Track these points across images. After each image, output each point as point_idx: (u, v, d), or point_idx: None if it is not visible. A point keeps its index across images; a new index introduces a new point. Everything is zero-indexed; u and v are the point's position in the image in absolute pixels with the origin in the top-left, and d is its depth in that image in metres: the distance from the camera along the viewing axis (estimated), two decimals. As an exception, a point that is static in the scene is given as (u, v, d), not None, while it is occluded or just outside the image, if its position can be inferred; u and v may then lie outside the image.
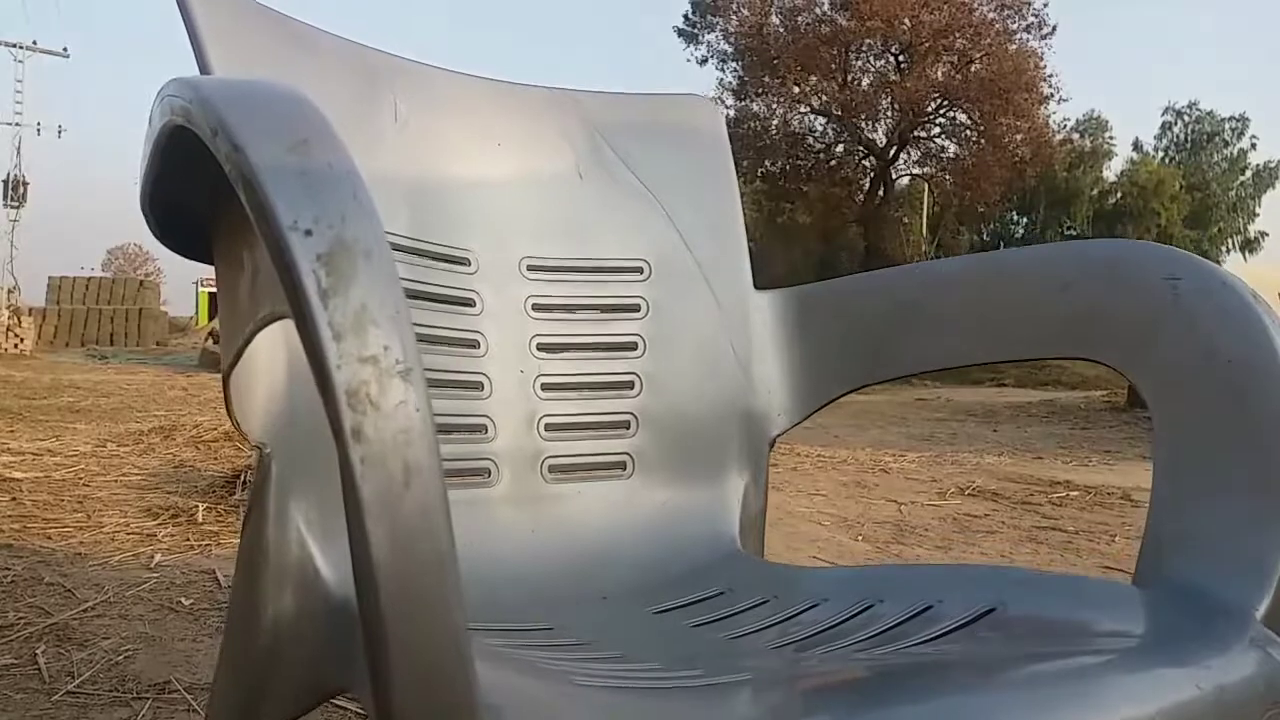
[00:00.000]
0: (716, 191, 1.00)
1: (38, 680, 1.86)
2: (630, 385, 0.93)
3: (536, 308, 0.91)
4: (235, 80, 0.38)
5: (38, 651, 1.99)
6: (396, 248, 0.82)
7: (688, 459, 0.93)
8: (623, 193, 0.95)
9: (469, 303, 0.87)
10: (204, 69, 0.73)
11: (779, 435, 0.93)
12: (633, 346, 0.94)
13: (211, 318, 39.88)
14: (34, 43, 25.24)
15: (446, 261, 0.85)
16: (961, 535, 3.45)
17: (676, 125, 1.01)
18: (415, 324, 0.84)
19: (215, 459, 4.77)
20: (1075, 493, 4.48)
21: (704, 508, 0.90)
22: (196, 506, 3.45)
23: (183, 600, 2.39)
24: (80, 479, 4.17)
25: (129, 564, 2.78)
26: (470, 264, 0.87)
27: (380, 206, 0.82)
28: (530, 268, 0.91)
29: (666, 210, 0.96)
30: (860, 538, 3.38)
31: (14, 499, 3.66)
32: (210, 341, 21.19)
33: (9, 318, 22.57)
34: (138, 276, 44.14)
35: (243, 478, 3.71)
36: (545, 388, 0.90)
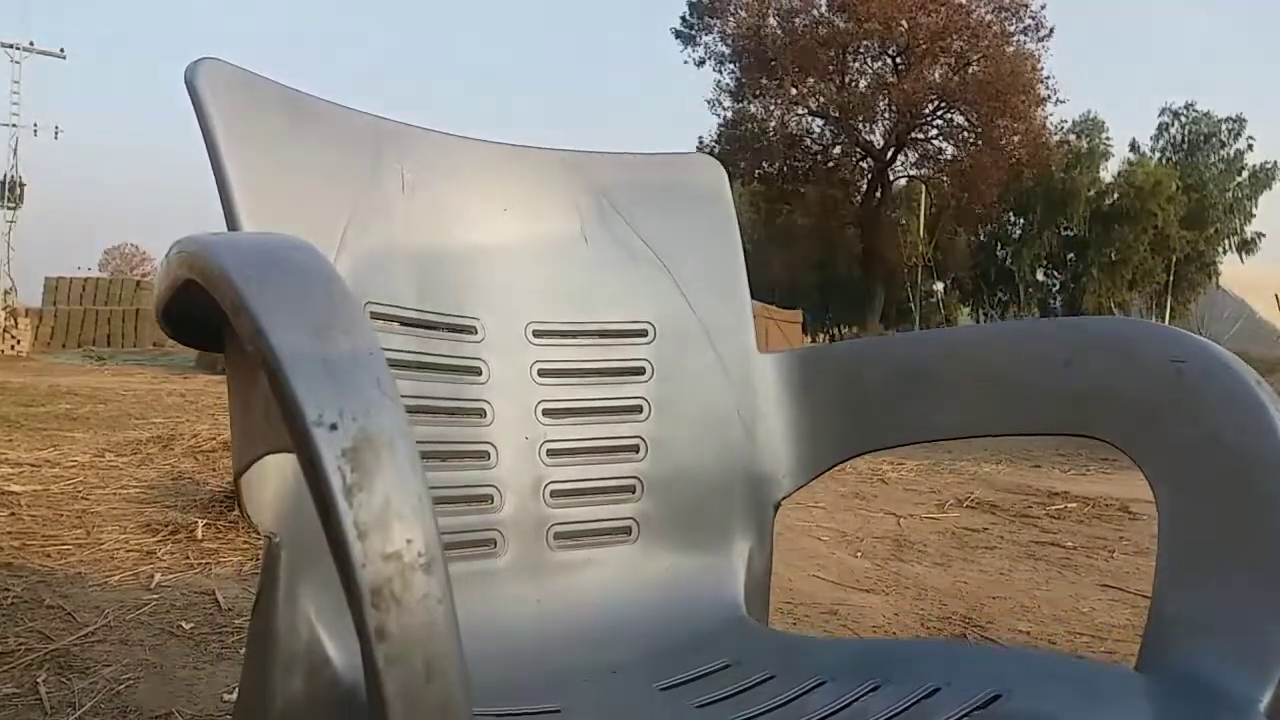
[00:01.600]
0: (719, 252, 1.00)
1: (39, 711, 1.86)
2: (635, 449, 0.93)
3: (542, 373, 0.91)
4: (252, 246, 0.38)
5: (39, 680, 1.99)
6: (405, 321, 0.82)
7: (692, 523, 0.93)
8: (627, 255, 0.96)
9: (476, 371, 0.87)
10: (211, 145, 0.73)
11: (784, 498, 0.93)
12: (638, 410, 0.94)
13: (208, 318, 39.83)
14: (31, 43, 25.19)
15: (454, 331, 0.86)
16: (960, 551, 3.46)
17: (680, 185, 1.01)
18: (424, 396, 0.85)
19: (214, 470, 4.77)
20: (1073, 504, 4.49)
21: (708, 573, 0.90)
22: (196, 523, 3.45)
23: (183, 624, 2.39)
24: (79, 492, 4.17)
25: (128, 584, 2.78)
26: (477, 332, 0.88)
27: (389, 279, 0.83)
28: (536, 333, 0.91)
29: (670, 272, 0.96)
30: (860, 554, 3.38)
31: (13, 514, 3.66)
32: None
33: (5, 319, 22.55)
34: (134, 277, 44.07)
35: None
36: (551, 453, 0.90)
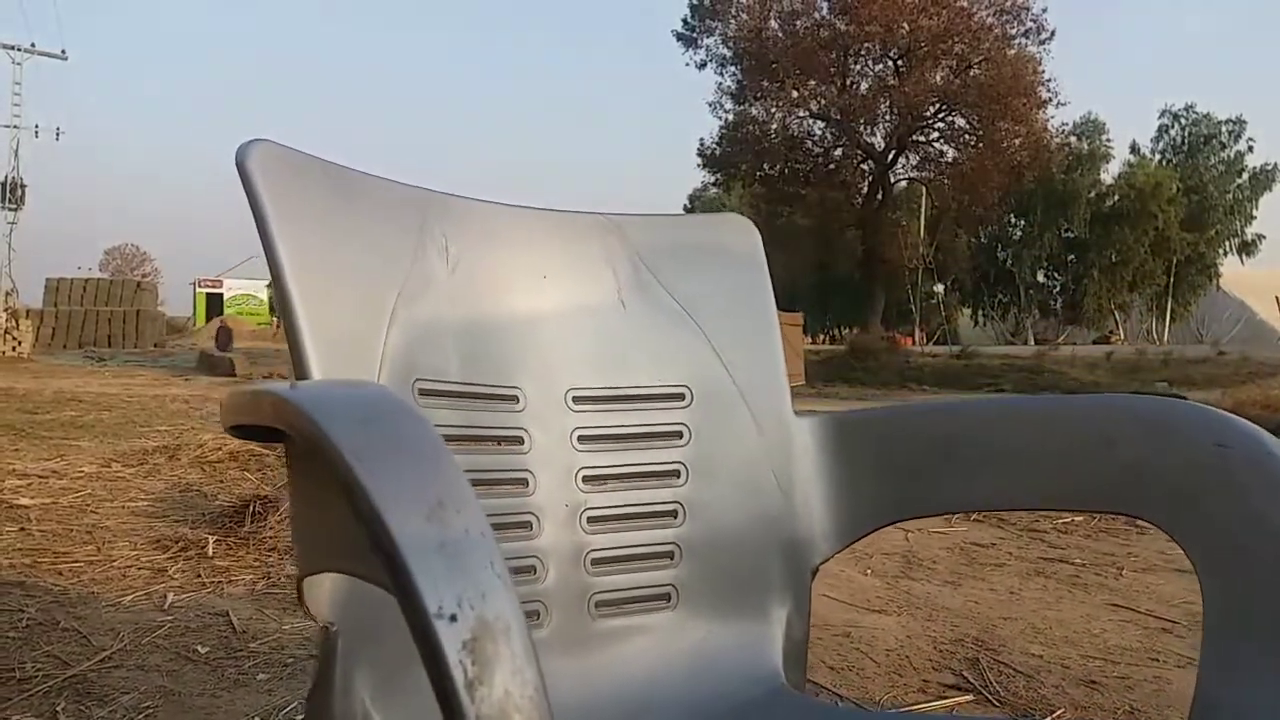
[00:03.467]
0: (754, 313, 1.00)
1: (60, 742, 1.87)
2: (674, 514, 0.94)
3: (582, 439, 0.92)
4: (357, 411, 0.39)
5: (58, 708, 2.00)
6: (450, 394, 0.83)
7: (730, 589, 0.93)
8: (663, 318, 0.96)
9: (519, 440, 0.88)
10: (262, 225, 0.74)
11: (821, 563, 0.94)
12: (676, 474, 0.95)
13: (208, 319, 39.81)
14: (32, 45, 25.19)
15: (497, 400, 0.87)
16: (970, 568, 3.46)
17: (714, 246, 1.01)
18: (471, 470, 0.85)
19: (221, 482, 4.78)
20: (1080, 518, 4.49)
21: (747, 640, 0.91)
22: (206, 539, 3.45)
23: (199, 648, 2.40)
24: (88, 505, 4.17)
25: (142, 604, 2.78)
26: (519, 401, 0.88)
27: (435, 352, 0.84)
28: (575, 399, 0.92)
29: (706, 334, 0.97)
30: (869, 571, 3.39)
31: (22, 529, 3.67)
32: (216, 345, 21.27)
33: (7, 320, 22.54)
34: (135, 277, 44.09)
35: (251, 508, 3.71)
36: (591, 520, 0.91)
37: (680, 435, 0.95)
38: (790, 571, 0.94)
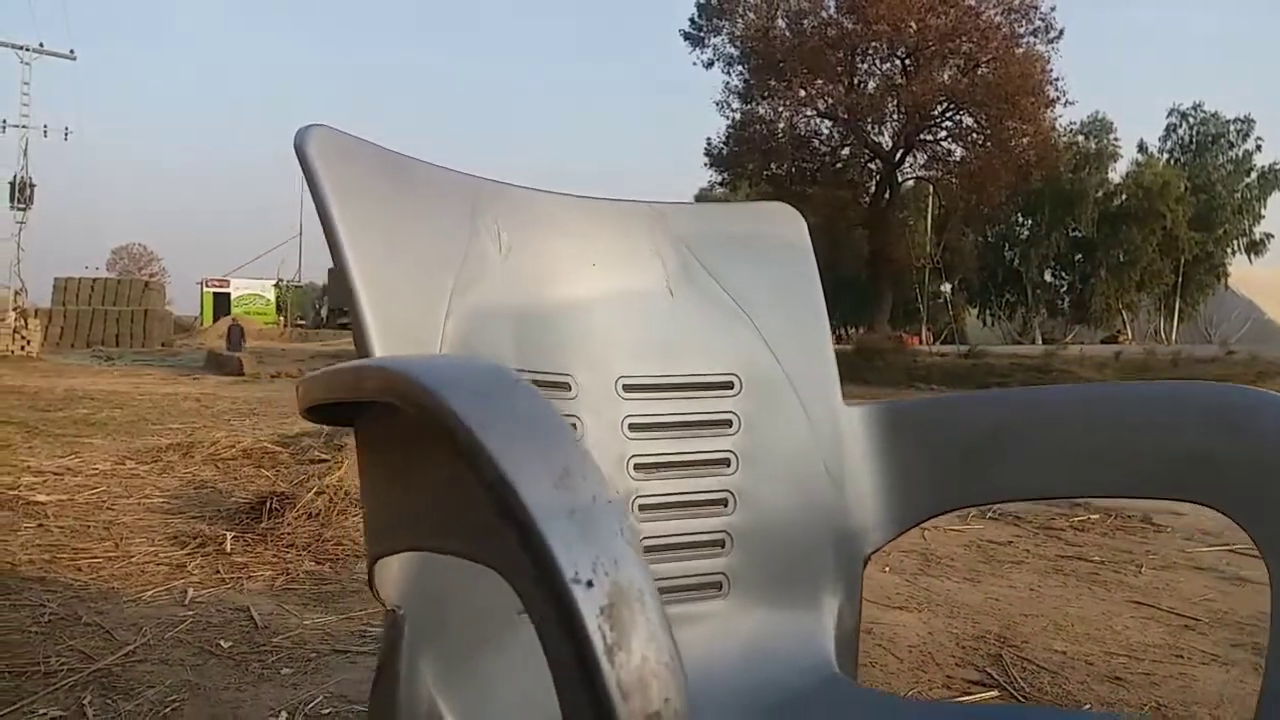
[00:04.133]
0: (802, 302, 1.00)
1: (88, 735, 1.87)
2: (724, 502, 0.93)
3: (633, 427, 0.91)
4: (475, 383, 0.38)
5: (85, 702, 2.00)
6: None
7: (782, 578, 0.93)
8: (711, 306, 0.96)
9: (571, 428, 0.87)
10: (323, 211, 0.74)
11: (873, 552, 0.93)
12: (726, 463, 0.94)
13: (216, 318, 39.88)
14: (40, 45, 25.25)
15: (550, 387, 0.86)
16: (988, 565, 3.45)
17: (761, 235, 1.01)
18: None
19: (235, 479, 4.78)
20: (1095, 515, 4.47)
21: (800, 629, 0.90)
22: (224, 535, 3.46)
23: (221, 643, 2.40)
24: (104, 502, 4.18)
25: (162, 600, 2.78)
26: (571, 389, 0.88)
27: (491, 341, 0.83)
28: (626, 387, 0.91)
29: (754, 322, 0.96)
30: (888, 568, 3.38)
31: (40, 525, 3.68)
32: (227, 343, 21.36)
33: (16, 319, 22.62)
34: (142, 277, 44.19)
35: (268, 504, 3.71)
36: (643, 509, 0.90)
37: (730, 424, 0.95)
38: (842, 561, 0.93)
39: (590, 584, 0.31)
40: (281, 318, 41.77)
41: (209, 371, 17.29)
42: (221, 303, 41.85)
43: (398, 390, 0.39)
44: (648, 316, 0.93)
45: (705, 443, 0.94)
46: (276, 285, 41.45)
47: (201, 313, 43.01)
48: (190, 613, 2.65)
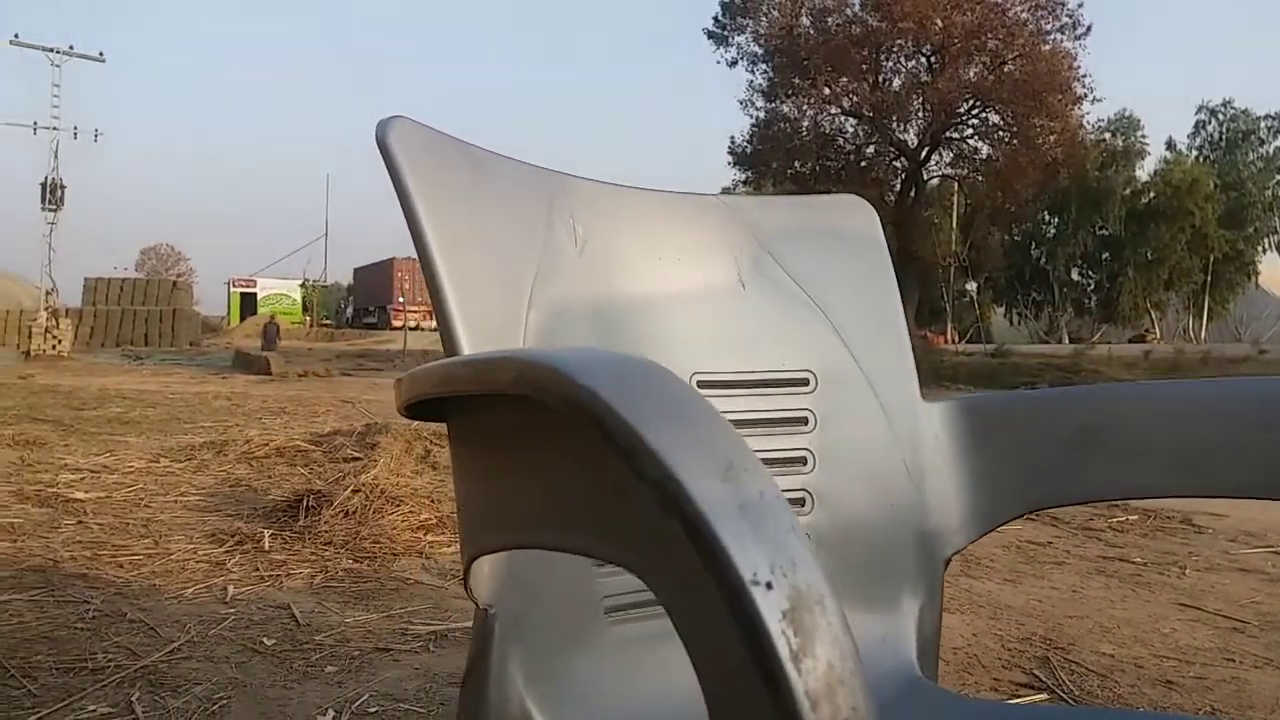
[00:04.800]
0: (877, 296, 0.98)
1: (137, 731, 1.88)
2: (801, 503, 0.91)
3: (708, 424, 0.90)
4: (624, 374, 0.37)
5: (133, 698, 2.01)
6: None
7: (861, 579, 0.91)
8: (785, 301, 0.94)
9: (647, 426, 0.86)
10: (405, 201, 0.73)
11: (954, 554, 0.91)
12: (802, 461, 0.92)
13: (243, 318, 40.20)
14: (70, 47, 25.50)
15: (626, 384, 0.85)
16: (1029, 566, 3.41)
17: (833, 228, 0.99)
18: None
19: (269, 477, 4.81)
20: (1134, 516, 4.42)
21: (881, 632, 0.88)
22: (261, 533, 3.47)
23: (265, 640, 2.41)
24: (141, 499, 4.21)
25: (203, 597, 2.80)
26: (647, 386, 0.86)
27: (570, 336, 0.82)
28: (701, 384, 0.90)
29: (829, 317, 0.95)
30: (925, 569, 3.35)
31: (80, 522, 3.71)
32: (263, 341, 21.50)
33: (47, 319, 22.90)
34: (170, 277, 44.63)
35: (305, 502, 3.73)
36: (718, 507, 0.89)
37: (806, 421, 0.93)
38: (922, 562, 0.91)
39: (770, 586, 0.30)
40: (308, 317, 42.06)
41: (237, 371, 17.43)
42: (248, 302, 42.19)
43: (540, 383, 0.38)
44: (721, 312, 0.91)
45: (781, 441, 0.92)
46: (303, 285, 41.78)
47: (228, 312, 43.38)
48: (232, 610, 2.66)
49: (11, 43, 24.80)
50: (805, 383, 0.94)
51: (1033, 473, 0.87)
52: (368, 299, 47.40)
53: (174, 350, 26.05)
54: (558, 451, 0.43)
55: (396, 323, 36.35)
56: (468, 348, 0.70)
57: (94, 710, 1.96)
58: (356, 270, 51.93)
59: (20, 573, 2.97)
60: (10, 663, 2.17)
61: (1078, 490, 0.86)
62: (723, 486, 0.32)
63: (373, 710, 2.01)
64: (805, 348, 0.94)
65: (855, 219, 1.02)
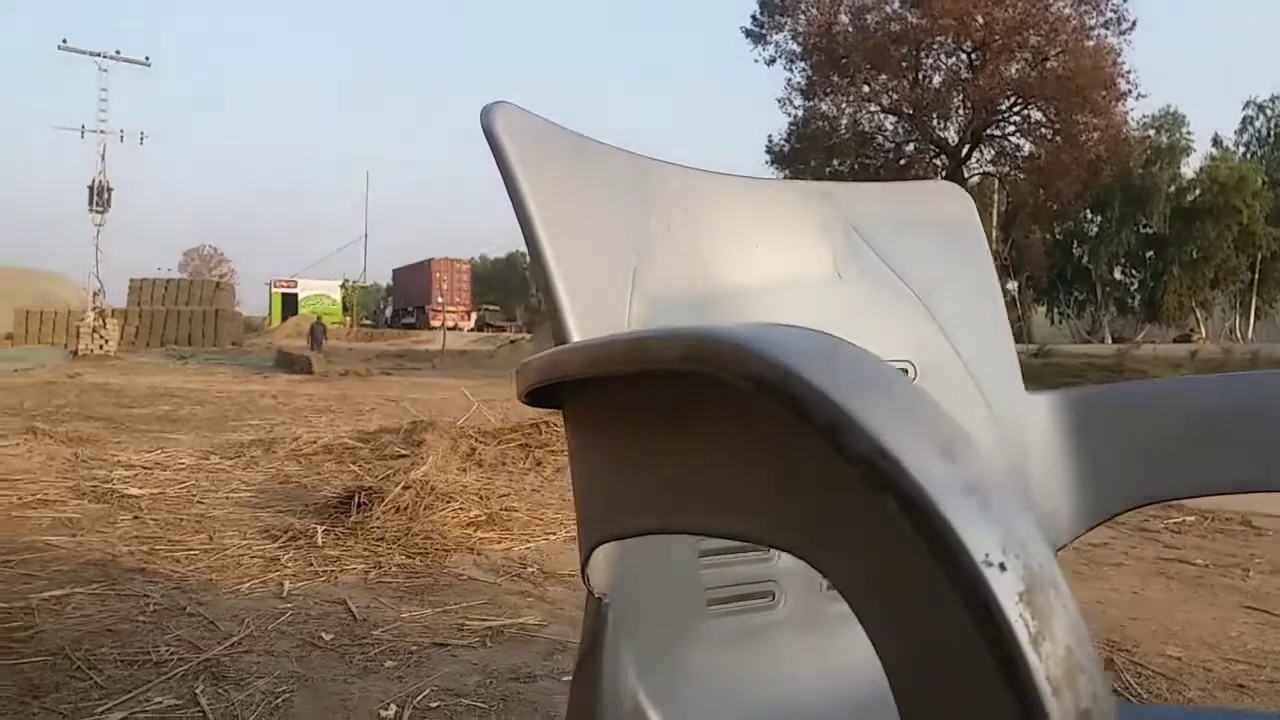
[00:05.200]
0: (976, 285, 0.95)
1: (204, 724, 1.89)
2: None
3: (805, 416, 0.88)
4: (811, 342, 0.36)
5: (197, 691, 2.02)
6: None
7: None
8: (881, 290, 0.92)
9: (746, 415, 0.85)
10: (511, 185, 0.72)
11: (1062, 548, 0.88)
12: (900, 455, 0.90)
13: (284, 318, 40.65)
14: (117, 52, 25.94)
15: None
16: (1088, 567, 3.35)
17: (928, 215, 0.97)
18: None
19: (319, 474, 4.85)
20: (1191, 517, 4.33)
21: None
22: (314, 529, 3.50)
23: (323, 635, 2.42)
24: (193, 495, 4.26)
25: (260, 592, 2.82)
26: (745, 376, 0.85)
27: (671, 323, 0.81)
28: (798, 374, 0.88)
29: (927, 307, 0.92)
30: (980, 570, 3.30)
31: (136, 517, 3.76)
32: (310, 341, 21.68)
33: (95, 319, 23.32)
34: (213, 278, 45.24)
35: (356, 499, 3.75)
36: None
37: (904, 413, 0.91)
38: (1026, 557, 0.88)
39: (1004, 567, 0.28)
40: (348, 317, 42.44)
41: (279, 370, 17.64)
42: (289, 303, 42.67)
43: (719, 359, 0.36)
44: (816, 301, 0.89)
45: (879, 433, 0.90)
46: (343, 286, 42.21)
47: (270, 312, 43.91)
48: (289, 605, 2.68)
49: (60, 48, 25.26)
50: (904, 374, 0.91)
51: (1147, 465, 0.84)
52: (406, 299, 47.78)
53: (216, 350, 26.42)
54: (716, 431, 0.41)
55: (435, 323, 36.61)
56: (577, 335, 0.68)
57: (159, 702, 1.97)
58: (395, 271, 52.36)
59: (80, 566, 3.01)
60: (76, 655, 2.20)
61: (1195, 483, 0.83)
62: (942, 464, 0.30)
63: (434, 705, 2.01)
64: (903, 338, 0.92)
65: (951, 205, 0.99)
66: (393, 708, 1.98)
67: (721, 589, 0.77)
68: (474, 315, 44.73)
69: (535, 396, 0.58)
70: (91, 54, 25.79)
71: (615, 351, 0.44)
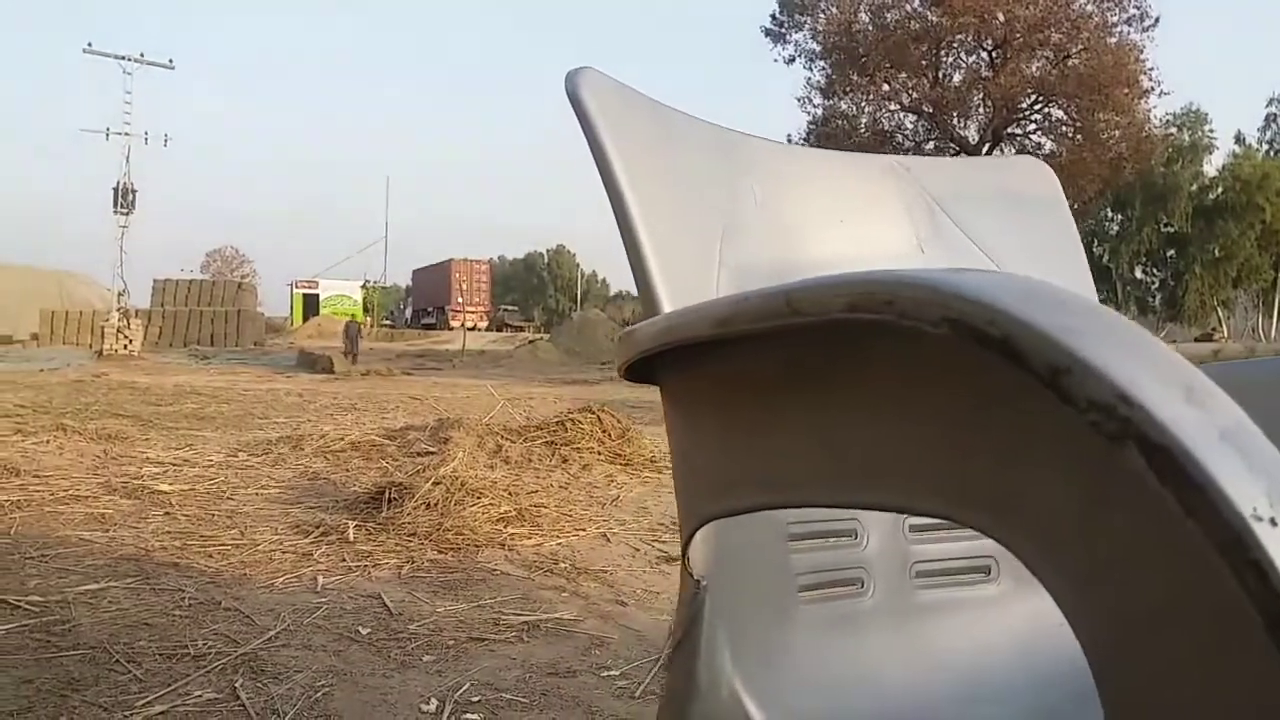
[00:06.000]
0: (1065, 263, 0.92)
1: (245, 717, 1.87)
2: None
3: (891, 397, 0.85)
4: (1023, 284, 0.32)
5: (237, 685, 2.01)
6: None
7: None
8: (966, 265, 0.89)
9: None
10: (598, 151, 0.69)
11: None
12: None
13: (305, 318, 40.80)
14: (141, 55, 26.09)
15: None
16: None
17: (1012, 190, 0.93)
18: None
19: (347, 470, 4.84)
20: None
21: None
22: (346, 524, 3.49)
23: (360, 629, 2.40)
24: (223, 492, 4.26)
25: (294, 586, 2.81)
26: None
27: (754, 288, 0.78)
28: (883, 353, 0.85)
29: (1014, 284, 0.89)
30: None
31: (167, 513, 3.76)
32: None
33: (119, 320, 23.48)
34: (235, 279, 45.49)
35: (386, 494, 3.74)
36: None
37: (992, 394, 0.87)
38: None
39: (1275, 522, 0.25)
40: (368, 318, 42.58)
41: (300, 370, 17.70)
42: (311, 303, 42.82)
43: (905, 303, 0.33)
44: (901, 279, 0.86)
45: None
46: (363, 286, 42.35)
47: (291, 313, 44.08)
48: (324, 600, 2.67)
49: (85, 51, 25.45)
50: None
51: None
52: (426, 300, 47.91)
53: (239, 350, 26.55)
54: (878, 389, 0.38)
55: (454, 323, 36.69)
56: (668, 305, 0.66)
57: (199, 695, 1.96)
58: (415, 272, 52.49)
59: (115, 561, 3.01)
60: (115, 648, 2.19)
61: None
62: (1190, 410, 0.27)
63: (475, 700, 1.98)
64: (989, 316, 0.88)
65: (1035, 182, 0.96)
66: (433, 702, 1.96)
67: (811, 575, 0.74)
68: (491, 316, 44.78)
69: (635, 371, 0.55)
70: (116, 57, 25.95)
71: (751, 308, 0.41)
